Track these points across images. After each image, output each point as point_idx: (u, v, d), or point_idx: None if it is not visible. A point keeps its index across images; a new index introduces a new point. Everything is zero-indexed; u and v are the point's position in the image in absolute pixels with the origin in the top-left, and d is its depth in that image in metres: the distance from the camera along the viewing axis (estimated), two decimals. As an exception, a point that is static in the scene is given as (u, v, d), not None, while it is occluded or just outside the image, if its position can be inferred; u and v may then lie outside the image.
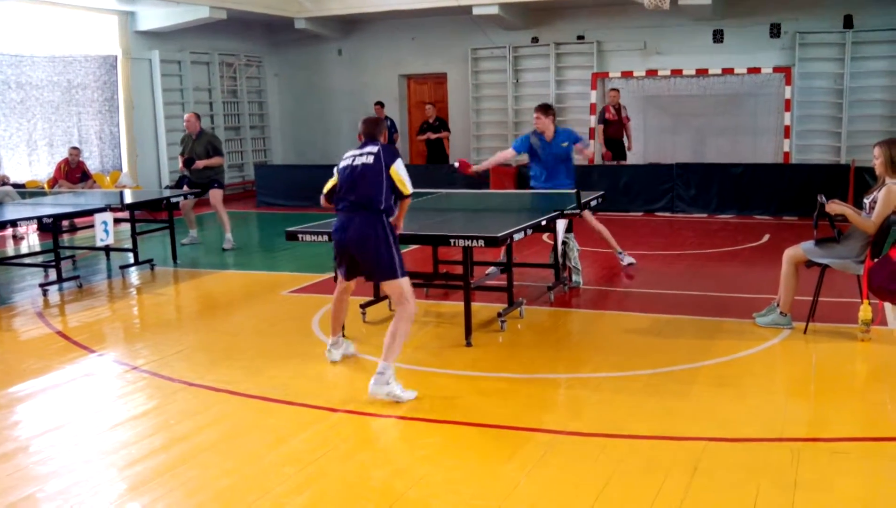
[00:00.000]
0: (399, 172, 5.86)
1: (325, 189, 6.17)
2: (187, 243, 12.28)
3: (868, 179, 11.94)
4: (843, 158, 15.74)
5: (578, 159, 9.59)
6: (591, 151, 9.32)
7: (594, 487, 4.24)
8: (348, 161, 5.95)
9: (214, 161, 12.03)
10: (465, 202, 8.80)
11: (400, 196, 5.94)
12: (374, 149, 5.90)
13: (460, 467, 4.59)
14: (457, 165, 8.85)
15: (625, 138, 15.68)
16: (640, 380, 5.91)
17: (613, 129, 15.51)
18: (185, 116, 12.40)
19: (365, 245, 5.75)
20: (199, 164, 11.96)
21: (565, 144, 8.85)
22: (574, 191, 8.15)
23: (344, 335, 6.59)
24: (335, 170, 6.06)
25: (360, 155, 5.91)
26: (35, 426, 5.38)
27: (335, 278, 6.40)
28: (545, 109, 8.86)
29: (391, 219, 5.88)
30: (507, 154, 9.07)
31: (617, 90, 15.61)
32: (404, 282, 5.78)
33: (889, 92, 15.80)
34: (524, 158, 9.20)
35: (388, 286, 5.87)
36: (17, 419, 5.53)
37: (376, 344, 6.64)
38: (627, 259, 9.80)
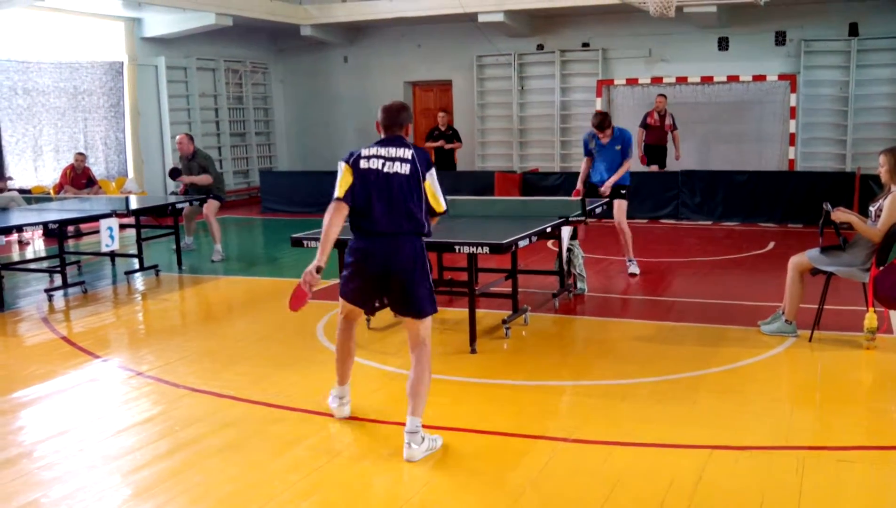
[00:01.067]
0: (433, 185, 4.89)
1: (342, 192, 4.83)
2: (182, 249, 12.14)
3: (873, 186, 11.92)
4: (849, 165, 15.73)
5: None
6: (628, 165, 9.63)
7: (599, 495, 4.23)
8: (375, 164, 4.83)
9: (201, 179, 11.82)
10: (471, 209, 8.80)
11: (431, 213, 4.95)
12: (408, 154, 4.84)
13: (464, 474, 4.58)
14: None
15: (670, 146, 15.39)
16: (645, 387, 5.90)
17: (653, 134, 15.25)
18: (178, 137, 12.00)
19: (406, 277, 4.80)
20: (185, 179, 11.84)
21: (618, 147, 9.51)
22: (580, 198, 8.15)
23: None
24: (346, 167, 4.89)
25: (391, 160, 4.82)
26: (39, 431, 5.39)
27: (340, 315, 5.32)
28: (604, 122, 9.41)
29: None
30: (585, 166, 9.76)
31: (664, 96, 15.33)
32: (430, 320, 4.97)
33: (894, 100, 15.78)
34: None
35: (418, 324, 4.89)
36: (21, 425, 5.54)
37: (379, 350, 6.68)
38: (633, 269, 9.80)
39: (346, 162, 4.90)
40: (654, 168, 15.22)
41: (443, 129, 16.65)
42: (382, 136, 5.02)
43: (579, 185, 9.72)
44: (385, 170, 4.82)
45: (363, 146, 4.98)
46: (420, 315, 4.86)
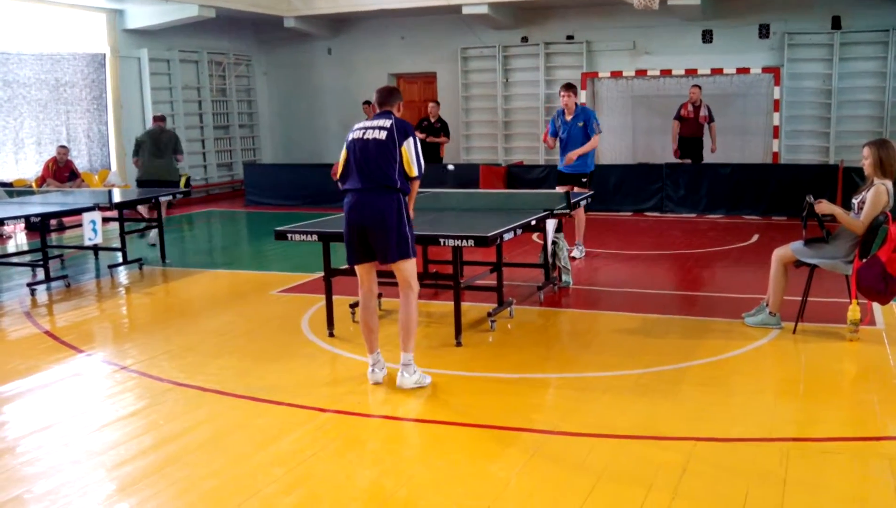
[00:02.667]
0: (409, 150, 5.60)
1: (339, 171, 5.81)
2: (150, 242, 12.23)
3: (856, 179, 11.98)
4: (832, 158, 15.81)
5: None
6: (595, 144, 9.79)
7: (583, 487, 4.24)
8: (358, 134, 5.67)
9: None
10: (456, 202, 8.80)
11: (406, 177, 5.68)
12: (387, 123, 5.63)
13: (449, 467, 4.58)
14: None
15: (706, 139, 14.95)
16: (630, 380, 5.92)
17: (688, 127, 14.76)
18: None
19: (382, 225, 5.55)
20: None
21: (580, 124, 9.72)
22: (565, 190, 8.17)
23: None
24: (346, 143, 5.77)
25: (372, 129, 5.63)
26: (22, 426, 5.35)
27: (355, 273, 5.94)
28: (572, 87, 9.91)
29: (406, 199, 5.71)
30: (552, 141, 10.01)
31: (698, 87, 14.83)
32: (412, 263, 5.72)
33: (877, 93, 15.87)
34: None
35: (400, 267, 5.67)
36: (4, 420, 5.50)
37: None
38: (576, 253, 9.97)
39: (345, 143, 5.77)
40: (688, 161, 14.77)
41: (432, 120, 16.23)
42: (374, 112, 5.85)
43: (548, 138, 10.04)
44: (364, 137, 5.63)
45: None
46: (399, 257, 5.63)
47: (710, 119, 14.84)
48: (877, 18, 15.58)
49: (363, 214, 5.60)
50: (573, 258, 9.85)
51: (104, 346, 7.31)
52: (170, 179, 12.95)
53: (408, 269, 5.70)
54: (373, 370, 5.91)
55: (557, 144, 10.01)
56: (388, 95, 5.83)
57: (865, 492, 4.25)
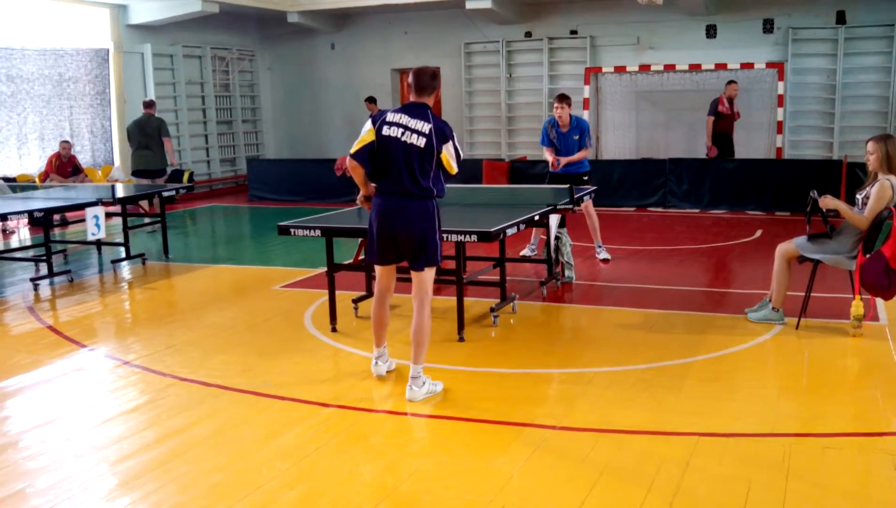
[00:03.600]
0: (449, 154, 5.45)
1: (356, 147, 5.46)
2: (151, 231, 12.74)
3: (860, 174, 11.95)
4: (836, 153, 15.77)
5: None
6: (585, 155, 9.73)
7: (586, 481, 4.24)
8: (395, 132, 5.39)
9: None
10: (458, 197, 8.78)
11: (442, 178, 5.61)
12: (426, 127, 5.38)
13: (452, 461, 4.58)
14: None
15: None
16: (633, 375, 5.91)
17: (725, 123, 14.44)
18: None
19: (418, 233, 5.45)
20: None
21: (576, 137, 9.64)
22: (568, 186, 8.16)
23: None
24: (371, 129, 5.45)
25: (410, 131, 5.37)
26: (25, 421, 5.36)
27: (372, 274, 5.86)
28: (567, 98, 9.74)
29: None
30: (550, 154, 9.80)
31: (735, 82, 14.61)
32: (434, 271, 5.65)
33: (881, 88, 15.83)
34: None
35: (423, 276, 5.55)
36: (7, 415, 5.51)
37: (368, 338, 6.65)
38: (604, 254, 9.87)
39: (373, 123, 5.49)
40: (714, 157, 14.43)
41: None
42: (412, 98, 5.56)
43: (552, 157, 9.77)
44: (403, 139, 5.37)
45: (390, 109, 5.58)
46: (428, 264, 5.53)
47: (739, 115, 14.71)
48: (881, 13, 15.53)
49: (397, 221, 5.47)
50: (605, 261, 9.82)
51: (107, 341, 7.32)
52: (157, 167, 13.62)
53: (429, 278, 5.60)
54: (376, 363, 5.92)
55: (549, 151, 9.82)
56: (429, 80, 5.54)
57: (868, 487, 4.25)
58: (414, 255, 5.53)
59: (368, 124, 5.50)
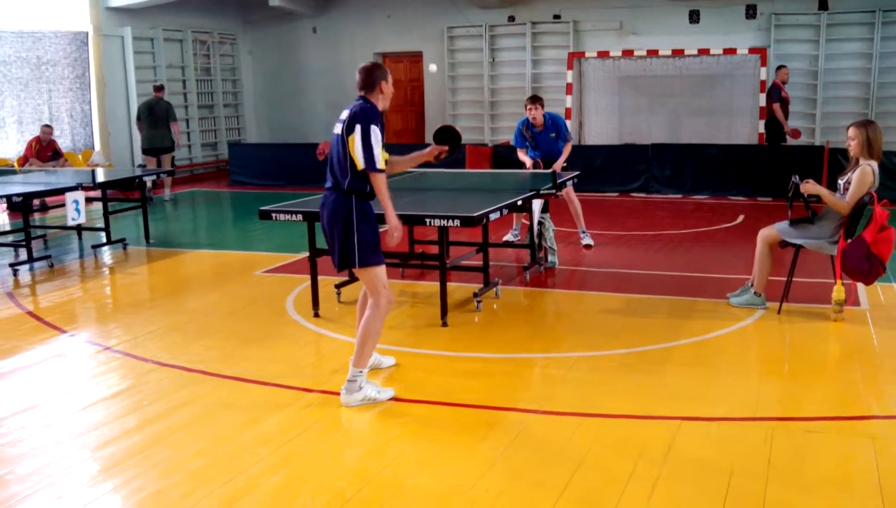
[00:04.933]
0: (356, 141, 5.00)
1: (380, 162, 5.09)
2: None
3: (842, 160, 12.01)
4: (818, 139, 15.84)
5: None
6: (569, 149, 9.63)
7: (569, 466, 4.25)
8: (335, 127, 5.22)
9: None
10: (441, 182, 8.77)
11: (353, 170, 5.09)
12: (345, 114, 5.13)
13: (434, 447, 4.58)
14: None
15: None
16: (615, 359, 5.93)
17: (784, 108, 14.00)
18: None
19: (331, 227, 5.15)
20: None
21: (552, 135, 9.42)
22: (551, 171, 8.15)
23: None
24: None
25: (339, 122, 5.15)
26: (5, 407, 5.31)
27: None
28: (540, 99, 9.44)
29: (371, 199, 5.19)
30: (524, 156, 9.57)
31: (786, 66, 14.38)
32: (374, 271, 5.14)
33: (863, 74, 15.89)
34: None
35: (362, 274, 5.19)
36: (-14, 400, 5.47)
37: (349, 324, 6.65)
38: (587, 240, 9.86)
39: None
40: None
41: None
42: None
43: (530, 161, 9.55)
44: (334, 130, 5.20)
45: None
46: (346, 265, 5.21)
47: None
48: (863, 0, 15.58)
49: (322, 214, 5.25)
50: (588, 246, 9.80)
51: (88, 326, 7.27)
52: (164, 145, 15.01)
53: (363, 277, 5.22)
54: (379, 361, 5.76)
55: (522, 153, 9.62)
56: (367, 75, 5.16)
57: (849, 471, 4.28)
58: (334, 254, 5.22)
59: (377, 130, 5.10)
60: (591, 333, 6.62)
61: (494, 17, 18.13)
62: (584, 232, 9.94)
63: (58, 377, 5.89)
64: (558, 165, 9.28)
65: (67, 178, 10.58)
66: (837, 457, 4.41)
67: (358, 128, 5.00)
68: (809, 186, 6.77)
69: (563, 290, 8.16)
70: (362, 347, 5.14)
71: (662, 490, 4.01)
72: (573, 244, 9.94)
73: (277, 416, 5.02)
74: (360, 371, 5.15)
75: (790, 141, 14.08)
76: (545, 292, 8.05)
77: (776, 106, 14.01)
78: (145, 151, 15.29)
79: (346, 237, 5.10)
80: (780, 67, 14.37)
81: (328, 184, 5.23)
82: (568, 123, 16.01)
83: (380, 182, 5.11)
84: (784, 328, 6.59)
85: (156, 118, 14.93)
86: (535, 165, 9.46)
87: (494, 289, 7.64)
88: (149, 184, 13.60)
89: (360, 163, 5.03)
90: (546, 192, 7.92)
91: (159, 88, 15.38)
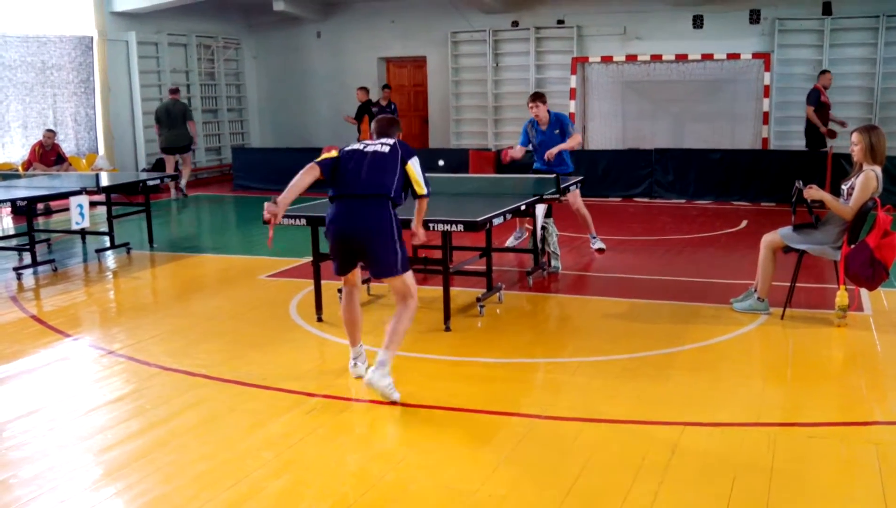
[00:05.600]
0: (415, 169, 5.45)
1: (322, 157, 5.46)
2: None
3: (845, 165, 12.00)
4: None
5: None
6: (578, 141, 9.61)
7: (571, 471, 4.25)
8: (357, 147, 5.51)
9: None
10: (445, 186, 8.76)
11: (414, 195, 5.54)
12: (390, 141, 5.52)
13: (438, 451, 4.58)
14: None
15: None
16: (618, 365, 5.92)
17: (823, 113, 13.74)
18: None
19: (372, 236, 5.27)
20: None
21: (556, 131, 9.36)
22: (553, 176, 8.15)
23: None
24: (335, 151, 5.51)
25: (374, 144, 5.50)
26: (9, 411, 5.32)
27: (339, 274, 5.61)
28: (542, 97, 9.42)
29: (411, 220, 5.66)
30: (520, 150, 9.50)
31: (829, 71, 14.16)
32: (408, 277, 5.38)
33: (866, 79, 15.89)
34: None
35: (391, 282, 5.40)
36: (-10, 404, 5.48)
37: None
38: (598, 244, 9.85)
39: (339, 150, 5.54)
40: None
41: (384, 104, 16.34)
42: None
43: (512, 153, 9.49)
44: (366, 150, 5.45)
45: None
46: (387, 273, 5.36)
47: None
48: (867, 5, 15.58)
49: (352, 223, 5.30)
50: (600, 250, 9.81)
51: (91, 330, 7.28)
52: (181, 144, 15.85)
53: (398, 284, 5.39)
54: (355, 364, 5.73)
55: (519, 150, 9.54)
56: (388, 126, 5.69)
57: (852, 477, 4.27)
58: (373, 262, 5.43)
59: (333, 151, 5.54)
60: (593, 338, 6.62)
61: (498, 21, 18.15)
62: (594, 237, 9.89)
63: (61, 380, 5.90)
64: (554, 149, 9.21)
65: (71, 182, 10.60)
66: (840, 463, 4.41)
67: (415, 159, 5.47)
68: (813, 192, 6.77)
69: (566, 295, 8.16)
70: (393, 337, 5.30)
71: (665, 495, 4.00)
72: (576, 249, 9.95)
73: (281, 420, 5.03)
74: (389, 358, 5.25)
75: (829, 143, 13.85)
76: (548, 297, 8.05)
77: (810, 109, 13.78)
78: (164, 151, 15.96)
79: (389, 247, 5.30)
80: (823, 72, 14.14)
81: (354, 194, 5.32)
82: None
83: (426, 203, 5.70)
84: (787, 334, 6.59)
85: (173, 119, 15.71)
86: (504, 154, 9.50)
87: (497, 294, 7.64)
88: (174, 182, 15.44)
89: (424, 189, 5.52)
90: (550, 197, 7.92)
91: (175, 91, 16.15)
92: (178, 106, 15.87)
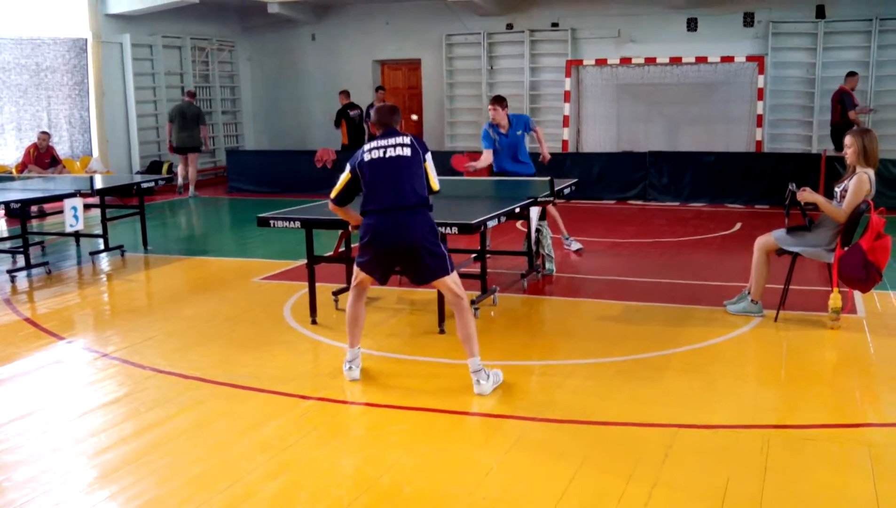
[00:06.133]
0: (430, 165, 5.50)
1: (336, 191, 5.54)
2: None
3: (839, 168, 12.04)
4: (815, 147, 15.85)
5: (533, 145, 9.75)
6: (541, 132, 9.68)
7: (566, 473, 4.25)
8: (376, 154, 5.39)
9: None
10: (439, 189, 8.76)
11: (429, 191, 5.54)
12: (406, 140, 5.46)
13: (433, 453, 4.58)
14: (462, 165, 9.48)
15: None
16: (612, 367, 5.93)
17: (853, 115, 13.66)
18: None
19: (419, 247, 5.32)
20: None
21: (519, 132, 9.32)
22: (549, 178, 8.16)
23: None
24: (354, 166, 5.46)
25: (391, 147, 5.41)
26: (2, 414, 5.31)
27: (353, 283, 5.67)
28: (502, 101, 9.35)
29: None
30: (487, 156, 9.31)
31: (857, 74, 14.18)
32: (455, 276, 5.50)
33: (860, 82, 15.88)
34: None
35: (441, 285, 5.47)
36: (-16, 407, 5.46)
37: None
38: (575, 245, 9.88)
39: (351, 166, 5.50)
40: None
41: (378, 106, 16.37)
42: (380, 132, 5.58)
43: (479, 165, 9.32)
44: (387, 156, 5.39)
45: (366, 144, 5.55)
46: (438, 277, 5.43)
47: None
48: (861, 8, 15.62)
49: (400, 237, 5.34)
50: (578, 251, 9.81)
51: (85, 333, 7.27)
52: (192, 145, 16.34)
53: (448, 286, 5.47)
54: (350, 367, 5.72)
55: (488, 154, 9.35)
56: (390, 116, 5.60)
57: (845, 479, 4.28)
58: (422, 270, 5.50)
59: (347, 168, 5.55)
60: (588, 340, 6.63)
61: (493, 24, 18.18)
62: (567, 238, 9.95)
63: (55, 383, 5.89)
64: (545, 155, 9.37)
65: (66, 184, 10.58)
66: (834, 465, 4.42)
67: (429, 155, 5.52)
68: (806, 194, 6.79)
69: (561, 297, 8.17)
70: (470, 340, 5.42)
71: (659, 496, 4.01)
72: (570, 252, 9.95)
73: (275, 423, 5.03)
74: (478, 359, 5.41)
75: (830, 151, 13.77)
76: (542, 300, 8.06)
77: (853, 113, 13.57)
78: (175, 150, 16.50)
79: (437, 253, 5.39)
80: (851, 74, 14.10)
81: (393, 206, 5.33)
82: (566, 130, 16.16)
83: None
84: (781, 336, 6.60)
85: (186, 121, 16.23)
86: (489, 171, 9.45)
87: (492, 296, 7.64)
88: (180, 180, 16.38)
89: (436, 185, 5.56)
90: (543, 199, 7.93)
91: (192, 94, 16.77)
92: (192, 109, 16.37)
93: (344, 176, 5.53)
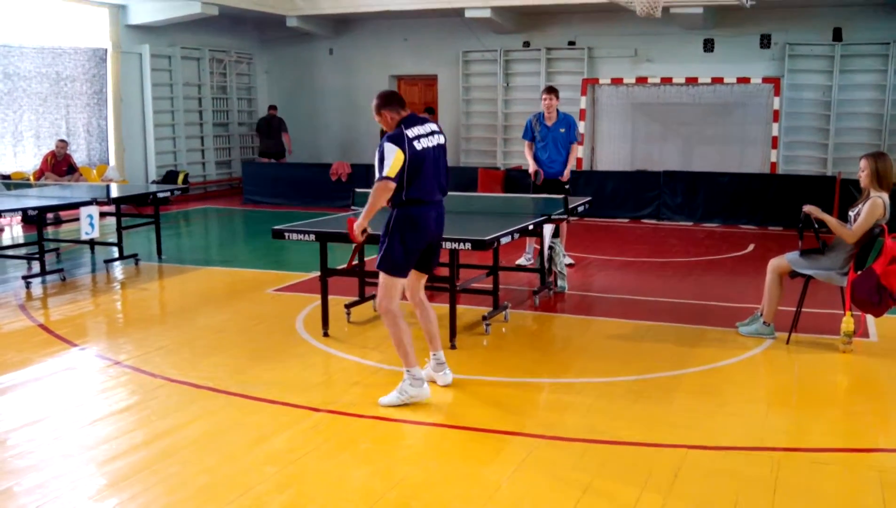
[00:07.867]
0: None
1: (396, 171, 5.23)
2: None
3: (854, 191, 11.99)
4: (830, 169, 15.82)
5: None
6: (575, 150, 9.77)
7: (574, 491, 4.25)
8: (426, 143, 5.39)
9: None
10: (453, 205, 8.77)
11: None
12: (437, 127, 5.59)
13: (441, 469, 4.59)
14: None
15: None
16: (623, 386, 5.92)
17: None
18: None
19: (441, 238, 5.79)
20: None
21: (562, 130, 9.63)
22: (562, 197, 8.17)
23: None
24: (403, 149, 5.26)
25: (431, 134, 5.47)
26: (14, 419, 5.35)
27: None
28: (556, 91, 9.82)
29: None
30: (528, 150, 9.76)
31: None
32: None
33: (876, 105, 15.89)
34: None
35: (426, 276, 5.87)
36: (-4, 412, 5.50)
37: (359, 345, 6.69)
38: (567, 260, 9.89)
39: (400, 147, 5.27)
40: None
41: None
42: (404, 114, 5.45)
43: (534, 166, 9.76)
44: (433, 144, 5.46)
45: (402, 127, 5.37)
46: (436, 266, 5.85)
47: None
48: (878, 31, 15.61)
49: (441, 225, 5.66)
50: (569, 266, 9.83)
51: (98, 340, 7.31)
52: (275, 151, 18.38)
53: (382, 282, 5.63)
54: (444, 373, 5.91)
55: (528, 147, 9.82)
56: (401, 97, 5.57)
57: (855, 503, 4.26)
58: (438, 256, 5.95)
59: (395, 148, 5.32)
60: (599, 359, 6.62)
61: (510, 42, 18.23)
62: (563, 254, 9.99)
63: (67, 390, 5.93)
64: (567, 173, 9.43)
65: (82, 192, 10.66)
66: (844, 489, 4.40)
67: (381, 144, 5.40)
68: (813, 209, 6.80)
69: (572, 315, 8.17)
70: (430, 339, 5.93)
71: (667, 518, 4.00)
72: (582, 269, 9.96)
73: (285, 435, 5.04)
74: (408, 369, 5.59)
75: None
76: (554, 317, 8.06)
77: None
78: (261, 155, 18.65)
79: (380, 241, 5.57)
80: None
81: (440, 196, 5.58)
82: (581, 148, 16.13)
83: None
84: (792, 359, 6.58)
85: (271, 130, 18.41)
86: (535, 175, 9.60)
87: (504, 313, 7.65)
88: None
89: (377, 173, 5.45)
90: (557, 217, 7.94)
91: (273, 108, 18.85)
92: (275, 120, 18.51)
93: (396, 155, 5.23)
